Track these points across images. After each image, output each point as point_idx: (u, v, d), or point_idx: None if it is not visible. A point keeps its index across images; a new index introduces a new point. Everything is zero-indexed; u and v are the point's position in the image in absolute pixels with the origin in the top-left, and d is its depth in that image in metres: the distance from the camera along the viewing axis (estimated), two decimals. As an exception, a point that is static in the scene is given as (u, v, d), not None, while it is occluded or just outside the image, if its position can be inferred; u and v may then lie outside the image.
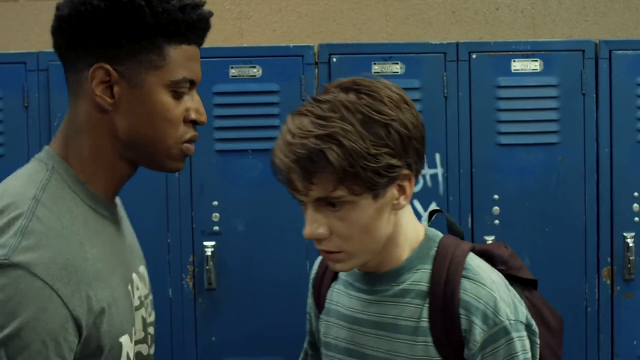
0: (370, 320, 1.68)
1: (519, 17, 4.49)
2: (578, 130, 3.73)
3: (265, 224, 3.71)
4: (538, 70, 3.72)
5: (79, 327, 1.36)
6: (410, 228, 1.68)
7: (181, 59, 1.50)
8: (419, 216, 3.69)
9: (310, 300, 1.92)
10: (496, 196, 3.75)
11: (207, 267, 3.71)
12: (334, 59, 3.69)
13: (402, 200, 1.61)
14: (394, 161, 1.53)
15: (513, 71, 3.72)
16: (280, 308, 3.71)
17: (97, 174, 1.51)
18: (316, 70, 3.69)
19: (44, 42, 4.13)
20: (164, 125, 1.49)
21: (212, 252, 3.72)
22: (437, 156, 3.74)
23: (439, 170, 3.74)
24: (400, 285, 1.66)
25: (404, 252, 1.67)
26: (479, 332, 1.57)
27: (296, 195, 1.57)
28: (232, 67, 3.68)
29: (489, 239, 3.72)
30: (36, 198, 1.41)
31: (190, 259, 3.75)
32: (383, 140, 1.51)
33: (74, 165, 1.50)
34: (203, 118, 1.55)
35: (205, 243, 3.73)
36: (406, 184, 1.60)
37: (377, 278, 1.68)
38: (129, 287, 1.55)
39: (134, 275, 1.60)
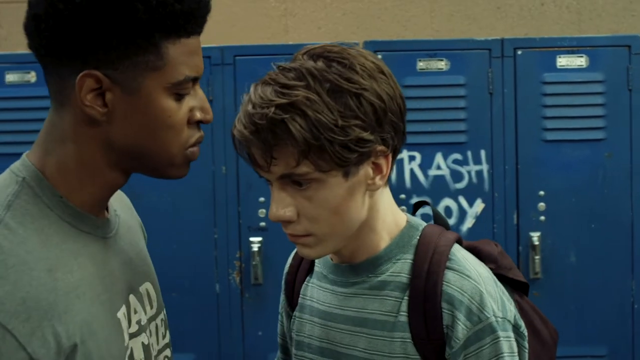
0: (346, 315, 1.53)
1: (564, 12, 4.47)
2: (625, 126, 3.71)
3: (311, 220, 3.72)
4: (584, 66, 3.70)
5: None
6: (389, 214, 1.52)
7: (182, 56, 1.29)
8: (464, 213, 3.72)
9: (282, 298, 1.74)
10: (542, 192, 3.74)
11: (254, 263, 3.75)
12: (379, 56, 3.69)
13: (378, 180, 1.44)
14: (366, 135, 1.38)
15: (558, 67, 3.71)
16: (325, 303, 3.71)
17: (81, 186, 1.31)
18: (361, 67, 3.70)
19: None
20: (167, 133, 1.30)
21: (258, 247, 3.76)
22: (482, 152, 3.73)
23: (484, 167, 3.74)
24: (379, 276, 1.50)
25: (383, 240, 1.52)
26: (461, 329, 1.42)
27: (259, 172, 1.42)
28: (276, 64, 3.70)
29: (535, 236, 3.71)
30: None
31: (237, 255, 3.79)
32: (353, 111, 1.36)
33: (53, 177, 1.29)
34: (209, 117, 1.36)
35: (251, 239, 3.77)
36: (382, 161, 1.43)
37: (353, 269, 1.53)
38: (120, 312, 1.34)
39: (131, 298, 1.39)
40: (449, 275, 1.45)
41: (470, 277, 1.45)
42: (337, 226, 1.43)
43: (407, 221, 1.55)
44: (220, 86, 3.73)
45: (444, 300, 1.44)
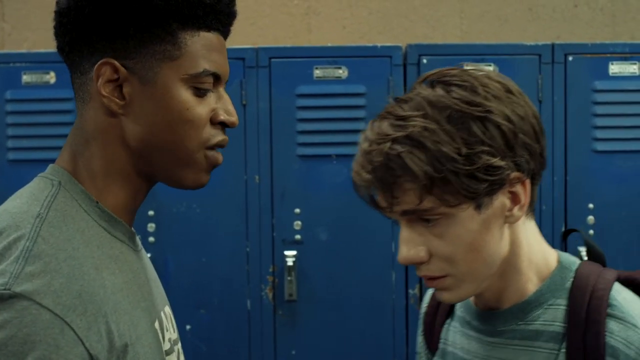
0: None
1: (598, 15, 4.32)
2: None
3: (349, 233, 3.56)
4: (637, 74, 3.56)
5: None
6: (537, 252, 1.39)
7: (200, 49, 1.28)
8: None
9: (420, 339, 1.63)
10: (591, 205, 3.60)
11: (289, 278, 3.56)
12: (424, 60, 3.51)
13: (517, 210, 1.32)
14: (495, 161, 1.26)
15: (611, 74, 3.56)
16: (364, 321, 3.56)
17: (110, 191, 1.30)
18: (404, 72, 3.52)
19: None
20: (184, 127, 1.27)
21: (293, 262, 3.58)
22: (530, 163, 3.57)
23: (532, 178, 3.58)
24: (530, 325, 1.37)
25: (530, 282, 1.38)
26: None
27: (383, 213, 1.33)
28: (316, 68, 3.51)
29: (584, 250, 3.55)
30: (41, 216, 1.21)
31: (270, 269, 3.61)
32: (478, 137, 1.25)
33: (84, 181, 1.29)
34: (233, 119, 1.32)
35: (286, 252, 3.59)
36: (519, 189, 1.31)
37: (500, 316, 1.40)
38: (157, 324, 1.33)
39: (162, 314, 1.38)
40: (612, 324, 1.30)
41: (637, 325, 1.30)
42: (476, 264, 1.32)
43: (559, 261, 1.40)
44: (254, 90, 3.53)
45: (608, 355, 1.29)
